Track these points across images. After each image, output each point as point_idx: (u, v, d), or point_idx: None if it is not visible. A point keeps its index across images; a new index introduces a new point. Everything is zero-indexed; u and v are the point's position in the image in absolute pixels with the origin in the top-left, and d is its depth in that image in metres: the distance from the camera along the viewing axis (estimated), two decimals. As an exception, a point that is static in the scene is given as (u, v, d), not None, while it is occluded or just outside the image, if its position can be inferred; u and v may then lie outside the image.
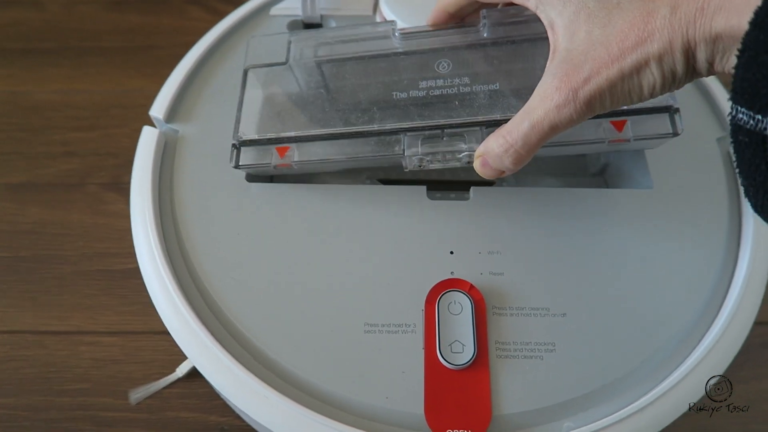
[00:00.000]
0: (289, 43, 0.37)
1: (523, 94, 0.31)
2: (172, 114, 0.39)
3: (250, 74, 0.37)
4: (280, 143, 0.34)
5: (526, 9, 0.30)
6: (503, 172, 0.29)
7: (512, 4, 0.30)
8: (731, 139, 0.22)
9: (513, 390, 0.29)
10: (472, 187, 0.35)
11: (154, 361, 0.44)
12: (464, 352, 0.29)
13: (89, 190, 0.54)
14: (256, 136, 0.34)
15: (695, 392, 0.30)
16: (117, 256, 0.50)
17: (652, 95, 0.25)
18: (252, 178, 0.36)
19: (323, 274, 0.32)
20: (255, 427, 0.40)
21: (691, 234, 0.34)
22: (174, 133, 0.38)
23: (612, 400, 0.29)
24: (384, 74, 0.35)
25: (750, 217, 0.34)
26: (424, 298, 0.31)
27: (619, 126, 0.31)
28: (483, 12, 0.34)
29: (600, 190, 0.35)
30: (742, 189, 0.28)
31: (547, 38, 0.28)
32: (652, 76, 0.25)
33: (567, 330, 0.30)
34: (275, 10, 0.44)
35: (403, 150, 0.32)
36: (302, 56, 0.36)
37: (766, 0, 0.20)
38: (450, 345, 0.30)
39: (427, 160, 0.32)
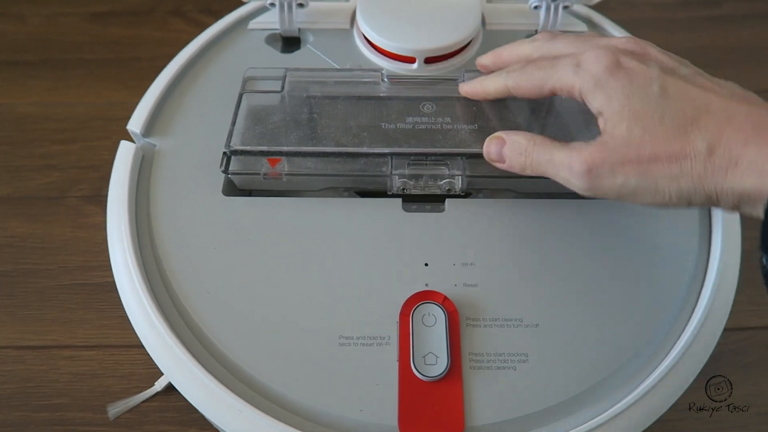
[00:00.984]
0: (285, 77, 0.39)
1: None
2: (150, 128, 0.39)
3: (245, 97, 0.38)
4: (271, 155, 0.35)
5: None
6: (504, 161, 0.32)
7: (553, 93, 0.31)
8: (764, 281, 0.24)
9: (486, 401, 0.29)
10: (447, 199, 0.35)
11: (133, 375, 0.44)
12: (438, 364, 0.30)
13: (70, 203, 0.54)
14: (248, 147, 0.35)
15: (667, 401, 0.31)
16: (97, 269, 0.50)
17: (661, 206, 0.27)
18: (229, 191, 0.36)
19: (298, 287, 0.32)
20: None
21: (663, 245, 0.34)
22: (151, 147, 0.38)
23: (584, 410, 0.29)
24: (373, 110, 0.37)
25: (719, 227, 0.35)
26: (399, 311, 0.31)
27: None
28: (462, 72, 0.38)
29: (573, 200, 0.35)
30: None
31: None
32: (668, 194, 0.26)
33: (540, 340, 0.31)
34: (253, 24, 0.45)
35: (390, 170, 0.34)
36: (296, 90, 0.38)
37: None
38: (424, 357, 0.30)
39: (411, 184, 0.34)
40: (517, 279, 0.33)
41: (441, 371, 0.29)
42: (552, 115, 0.38)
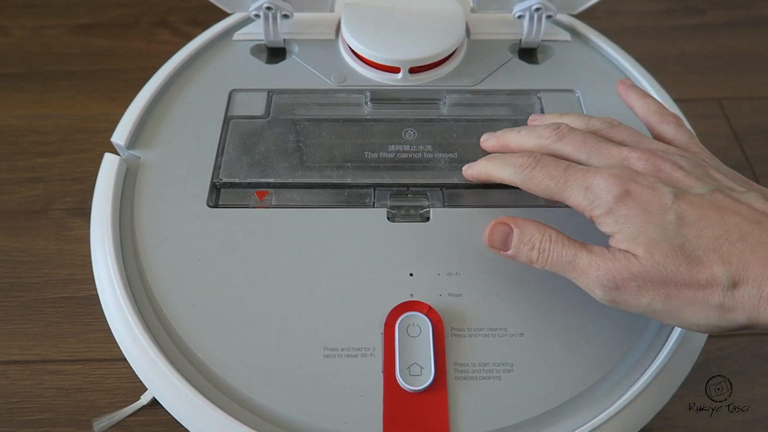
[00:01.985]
0: (270, 99, 0.40)
1: None
2: (134, 140, 0.39)
3: (231, 124, 0.39)
4: (259, 188, 0.36)
5: (487, 94, 0.36)
6: (508, 249, 0.30)
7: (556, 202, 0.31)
8: None
9: (471, 411, 0.29)
10: (431, 209, 0.35)
11: (118, 389, 0.44)
12: (423, 375, 0.29)
13: (54, 216, 0.54)
14: (236, 180, 0.36)
15: (652, 409, 0.31)
16: (81, 283, 0.49)
17: (689, 330, 0.27)
18: (213, 203, 0.36)
19: (283, 298, 0.32)
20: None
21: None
22: (136, 159, 0.38)
23: (569, 419, 0.29)
24: (357, 136, 0.39)
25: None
26: (384, 321, 0.31)
27: None
28: (444, 93, 0.41)
29: (557, 209, 0.36)
30: None
31: (497, 120, 0.39)
32: (695, 321, 0.26)
33: (524, 350, 0.31)
34: (238, 35, 0.45)
35: (374, 202, 0.36)
36: (281, 113, 0.40)
37: None
38: (408, 368, 0.30)
39: (392, 213, 0.35)
40: (501, 288, 0.33)
41: (426, 382, 0.29)
42: None
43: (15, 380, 0.45)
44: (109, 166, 0.37)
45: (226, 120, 0.39)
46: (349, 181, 0.37)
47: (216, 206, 0.36)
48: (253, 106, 0.40)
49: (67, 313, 0.48)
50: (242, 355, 0.31)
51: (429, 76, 0.42)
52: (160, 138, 0.39)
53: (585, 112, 0.40)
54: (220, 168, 0.37)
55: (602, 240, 0.28)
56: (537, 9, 0.43)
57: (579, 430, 0.29)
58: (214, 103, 0.40)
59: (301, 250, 0.34)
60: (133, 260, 0.34)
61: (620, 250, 0.27)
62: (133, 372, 0.32)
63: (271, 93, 0.41)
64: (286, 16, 0.43)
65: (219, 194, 0.36)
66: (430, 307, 0.31)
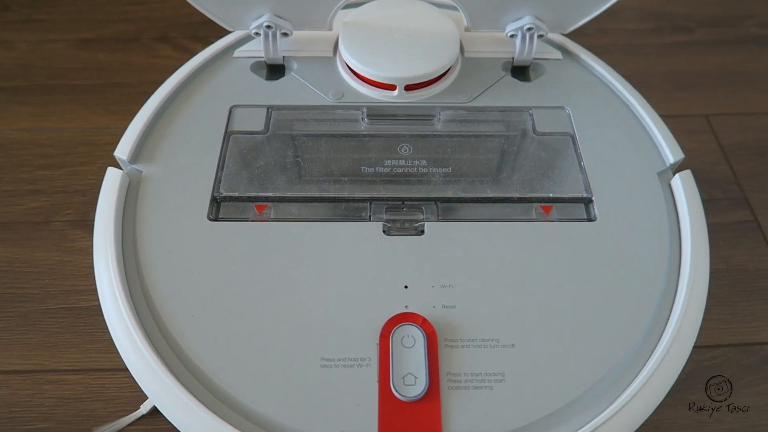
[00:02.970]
0: (269, 114, 0.42)
1: (470, 178, 0.39)
2: (136, 154, 0.40)
3: (232, 139, 0.40)
4: (258, 202, 0.38)
5: (480, 111, 0.35)
6: None
7: None
8: None
9: (463, 420, 0.30)
10: (426, 223, 0.36)
11: (119, 399, 0.45)
12: (416, 385, 0.30)
13: (55, 228, 0.55)
14: (236, 194, 0.38)
15: (640, 416, 0.32)
16: (82, 294, 0.50)
17: None
18: (214, 216, 0.37)
19: (281, 310, 0.33)
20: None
21: (634, 264, 0.35)
22: (138, 173, 0.39)
23: (558, 428, 0.30)
24: (354, 151, 0.40)
25: (688, 248, 0.36)
26: (379, 332, 0.32)
27: (547, 210, 0.38)
28: (438, 109, 0.42)
29: (548, 223, 0.37)
30: None
31: (489, 136, 0.40)
32: None
33: (516, 360, 0.32)
34: (239, 52, 0.46)
35: (370, 216, 0.37)
36: (280, 128, 0.41)
37: None
38: (403, 378, 0.31)
39: (388, 226, 0.36)
40: (493, 300, 0.34)
41: (420, 391, 0.30)
42: (521, 158, 0.40)
43: (16, 390, 0.46)
44: (111, 180, 0.38)
45: (227, 135, 0.41)
46: (345, 195, 0.38)
47: (216, 219, 0.37)
48: (252, 121, 0.41)
49: (68, 324, 0.49)
50: (241, 364, 0.31)
51: (424, 93, 0.43)
52: (162, 152, 0.40)
53: (575, 129, 0.42)
54: (220, 182, 0.38)
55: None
56: (529, 28, 0.44)
57: (568, 438, 0.30)
58: (215, 118, 0.41)
59: (299, 262, 0.35)
60: (135, 272, 0.35)
61: None
62: (133, 382, 0.32)
63: (270, 109, 0.42)
64: (285, 34, 0.44)
65: (219, 208, 0.37)
66: (424, 319, 0.32)
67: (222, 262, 0.35)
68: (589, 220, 0.37)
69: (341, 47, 0.43)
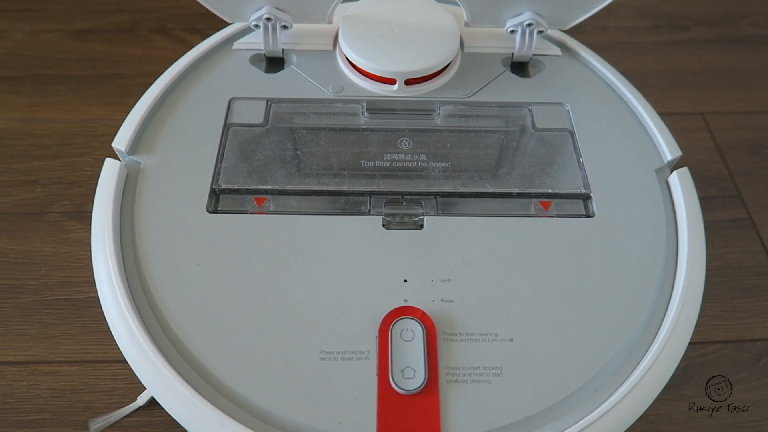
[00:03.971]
0: (269, 107, 0.41)
1: (469, 173, 0.39)
2: (135, 146, 0.39)
3: (231, 131, 0.40)
4: (257, 194, 0.37)
5: (480, 106, 0.34)
6: None
7: None
8: None
9: (462, 413, 0.30)
10: (425, 217, 0.36)
11: (115, 390, 0.45)
12: (415, 378, 0.30)
13: (51, 219, 0.55)
14: (235, 186, 0.37)
15: (636, 411, 0.32)
16: (78, 285, 0.50)
17: None
18: (213, 208, 0.37)
19: (280, 302, 0.33)
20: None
21: (631, 260, 0.36)
22: (136, 164, 0.39)
23: (556, 422, 0.30)
24: (353, 145, 0.40)
25: (685, 244, 0.36)
26: (378, 326, 0.32)
27: (546, 206, 0.38)
28: (438, 104, 0.42)
29: (547, 218, 0.37)
30: None
31: (489, 131, 0.40)
32: None
33: (514, 354, 0.32)
34: (238, 45, 0.46)
35: (369, 210, 0.37)
36: (279, 121, 0.41)
37: None
38: (402, 371, 0.31)
39: (387, 220, 0.36)
40: (492, 295, 0.34)
41: (418, 385, 0.30)
42: (520, 154, 0.40)
43: (11, 381, 0.46)
44: (110, 171, 0.38)
45: (226, 127, 0.40)
46: (345, 188, 0.38)
47: (215, 212, 0.37)
48: (252, 114, 0.41)
49: (64, 315, 0.49)
50: (240, 356, 0.31)
51: (424, 88, 0.43)
52: (161, 144, 0.40)
53: (573, 125, 0.42)
54: (219, 174, 0.38)
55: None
56: (529, 24, 0.44)
57: (567, 431, 0.30)
58: (214, 110, 0.41)
59: (298, 255, 0.35)
60: (133, 264, 0.35)
61: None
62: (130, 373, 0.32)
63: (269, 102, 0.42)
64: (285, 27, 0.44)
65: (218, 200, 0.37)
66: (423, 313, 0.32)
67: (221, 255, 0.35)
68: (588, 216, 0.37)
69: (341, 41, 0.43)
